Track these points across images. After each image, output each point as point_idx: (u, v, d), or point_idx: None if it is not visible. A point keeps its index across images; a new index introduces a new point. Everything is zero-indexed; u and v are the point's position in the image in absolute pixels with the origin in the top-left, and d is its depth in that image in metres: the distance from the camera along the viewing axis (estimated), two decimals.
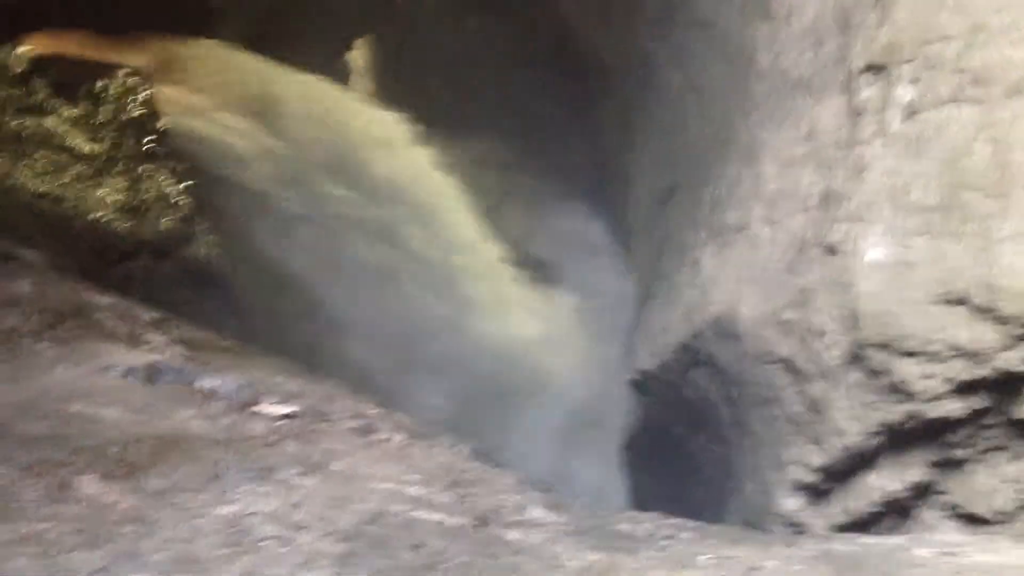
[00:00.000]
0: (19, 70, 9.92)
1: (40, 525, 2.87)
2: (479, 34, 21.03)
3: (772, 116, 7.33)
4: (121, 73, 11.42)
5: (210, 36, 15.69)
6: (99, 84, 10.93)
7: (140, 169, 10.55)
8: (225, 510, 3.12)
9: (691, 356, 7.93)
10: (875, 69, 6.23)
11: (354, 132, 17.16)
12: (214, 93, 14.48)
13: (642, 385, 9.55)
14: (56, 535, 2.84)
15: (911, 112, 5.95)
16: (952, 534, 5.42)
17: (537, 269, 17.69)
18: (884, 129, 6.03)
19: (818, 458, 6.26)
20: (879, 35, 6.21)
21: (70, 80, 10.82)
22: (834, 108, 6.58)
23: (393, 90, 21.00)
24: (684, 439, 8.98)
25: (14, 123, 9.08)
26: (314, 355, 11.18)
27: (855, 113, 6.30)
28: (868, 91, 6.31)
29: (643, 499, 10.57)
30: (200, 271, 10.40)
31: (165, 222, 10.29)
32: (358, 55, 20.82)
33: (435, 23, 20.85)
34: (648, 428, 10.05)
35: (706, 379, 7.83)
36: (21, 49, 10.40)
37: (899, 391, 5.75)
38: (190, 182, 11.41)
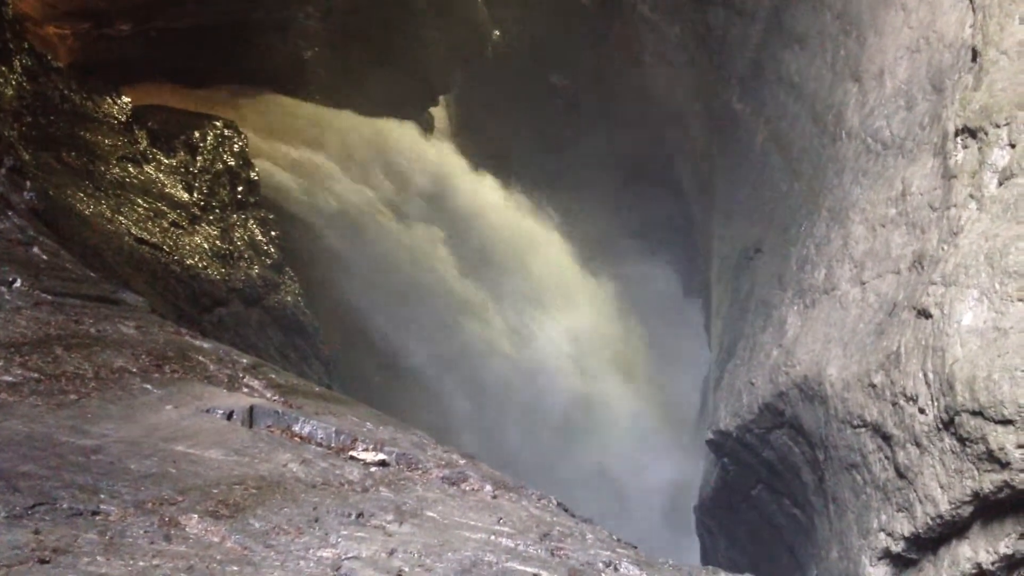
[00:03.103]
0: (122, 119, 10.30)
1: (150, 562, 2.95)
2: (563, 91, 21.36)
3: (862, 176, 7.28)
4: (216, 124, 11.83)
5: (300, 91, 16.17)
6: (195, 135, 11.33)
7: (233, 217, 10.85)
8: (326, 553, 3.17)
9: (774, 417, 7.83)
10: (970, 132, 6.16)
11: (433, 176, 17.56)
12: (302, 145, 14.90)
13: (720, 445, 9.43)
14: (165, 573, 2.91)
15: (1007, 176, 5.86)
16: None
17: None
18: (979, 192, 5.93)
19: (906, 526, 6.10)
20: (975, 98, 6.15)
21: (168, 130, 11.23)
22: (927, 170, 6.51)
23: (475, 145, 21.35)
24: (763, 501, 8.83)
25: (117, 170, 9.42)
26: (388, 401, 11.33)
27: (949, 175, 6.22)
28: (962, 154, 6.23)
29: (717, 561, 10.38)
30: (287, 318, 10.60)
31: (255, 269, 10.53)
32: (441, 111, 21.23)
33: (519, 80, 21.23)
34: (724, 489, 9.90)
35: (789, 441, 7.72)
36: (123, 99, 10.82)
37: (993, 459, 5.59)
38: (277, 231, 11.72)
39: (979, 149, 6.06)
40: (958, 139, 6.27)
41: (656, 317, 18.45)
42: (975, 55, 6.36)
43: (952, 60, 6.78)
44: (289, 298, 10.81)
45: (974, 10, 6.52)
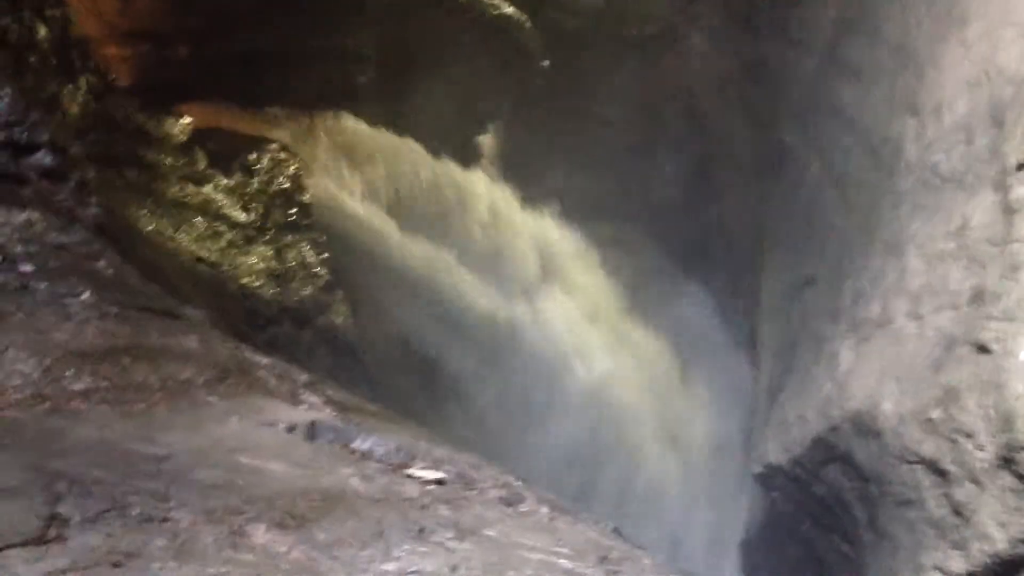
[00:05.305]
0: (182, 140, 10.52)
1: (219, 568, 3.00)
2: (609, 121, 21.38)
3: (919, 210, 7.24)
4: (272, 147, 12.02)
5: (353, 113, 16.33)
6: (252, 156, 11.53)
7: (286, 238, 11.03)
8: (389, 567, 3.20)
9: (826, 451, 7.75)
10: None
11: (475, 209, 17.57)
12: (353, 169, 15.04)
13: (769, 479, 9.34)
14: None
15: None
16: None
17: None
18: None
19: (962, 565, 6.01)
20: None
21: (226, 152, 11.43)
22: (986, 204, 6.47)
23: (520, 173, 21.41)
24: (812, 537, 8.72)
25: (177, 189, 9.63)
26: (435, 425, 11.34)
27: (1009, 210, 6.18)
28: (1023, 188, 6.19)
29: None
30: (336, 339, 10.72)
31: (306, 290, 10.68)
32: (489, 139, 21.35)
33: (566, 109, 21.30)
34: (772, 524, 9.79)
35: (841, 476, 7.63)
36: (184, 120, 11.04)
37: None
38: (328, 253, 11.86)
39: None
40: (1018, 174, 6.23)
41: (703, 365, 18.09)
42: None
43: (1013, 94, 6.74)
44: (339, 320, 10.94)
45: None
